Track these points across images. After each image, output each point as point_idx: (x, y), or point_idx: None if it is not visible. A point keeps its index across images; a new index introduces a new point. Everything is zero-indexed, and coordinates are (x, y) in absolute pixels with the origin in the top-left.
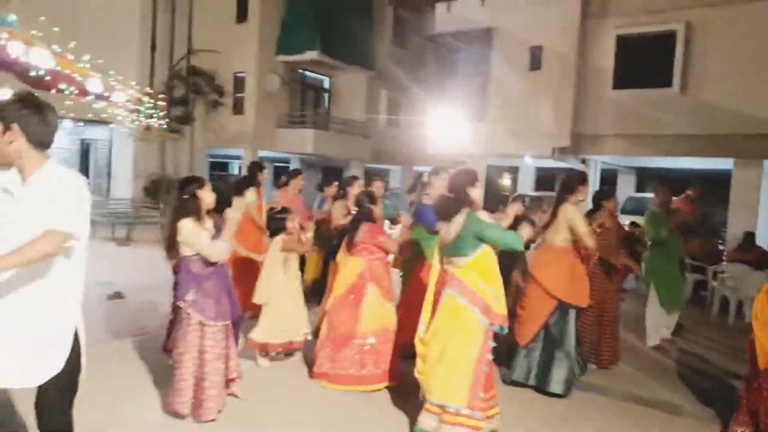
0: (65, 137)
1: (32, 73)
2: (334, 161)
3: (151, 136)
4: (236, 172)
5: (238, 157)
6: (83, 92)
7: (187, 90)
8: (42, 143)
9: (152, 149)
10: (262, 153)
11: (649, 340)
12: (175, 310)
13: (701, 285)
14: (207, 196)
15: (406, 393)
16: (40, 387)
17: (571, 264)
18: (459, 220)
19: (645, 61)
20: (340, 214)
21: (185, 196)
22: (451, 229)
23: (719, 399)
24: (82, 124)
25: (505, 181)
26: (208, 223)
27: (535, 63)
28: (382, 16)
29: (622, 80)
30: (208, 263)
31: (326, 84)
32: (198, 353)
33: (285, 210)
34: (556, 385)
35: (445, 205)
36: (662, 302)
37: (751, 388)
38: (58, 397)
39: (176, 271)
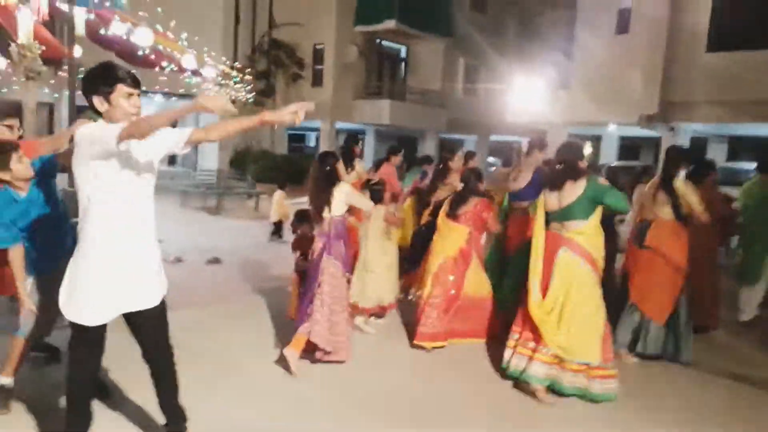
0: (154, 111)
1: (139, 53)
2: (408, 131)
3: (247, 111)
4: (312, 144)
5: (315, 129)
6: (180, 69)
7: (269, 63)
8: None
9: None
10: (339, 125)
11: (742, 315)
12: (302, 272)
13: None
14: (342, 169)
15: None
16: (143, 318)
17: (686, 237)
18: (579, 186)
19: (743, 22)
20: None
21: (328, 168)
22: (565, 195)
23: None
24: (174, 98)
25: (587, 150)
26: None
27: (623, 26)
28: None
29: (717, 42)
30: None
31: (403, 53)
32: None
33: (381, 182)
34: (687, 354)
35: (555, 175)
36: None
37: None
38: (164, 318)
39: (302, 231)
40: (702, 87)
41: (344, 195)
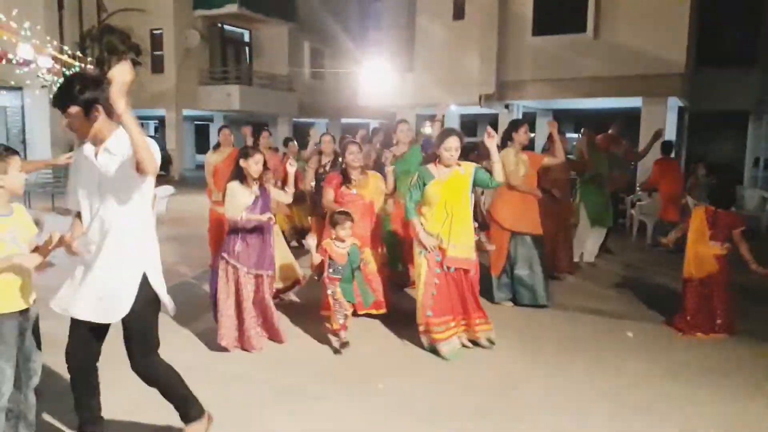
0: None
1: None
2: (258, 117)
3: None
4: (152, 133)
5: (156, 118)
6: (6, 59)
7: (101, 50)
8: (111, 112)
9: None
10: (186, 112)
11: (586, 257)
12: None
13: (620, 213)
14: (251, 166)
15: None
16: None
17: (519, 199)
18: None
19: (561, 8)
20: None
21: (237, 163)
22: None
23: (655, 304)
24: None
25: (426, 129)
26: (254, 187)
27: (459, 12)
28: None
29: (540, 27)
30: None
31: (247, 37)
32: (236, 299)
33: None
34: (542, 298)
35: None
36: (592, 223)
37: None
38: (132, 339)
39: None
40: (530, 67)
41: (228, 193)
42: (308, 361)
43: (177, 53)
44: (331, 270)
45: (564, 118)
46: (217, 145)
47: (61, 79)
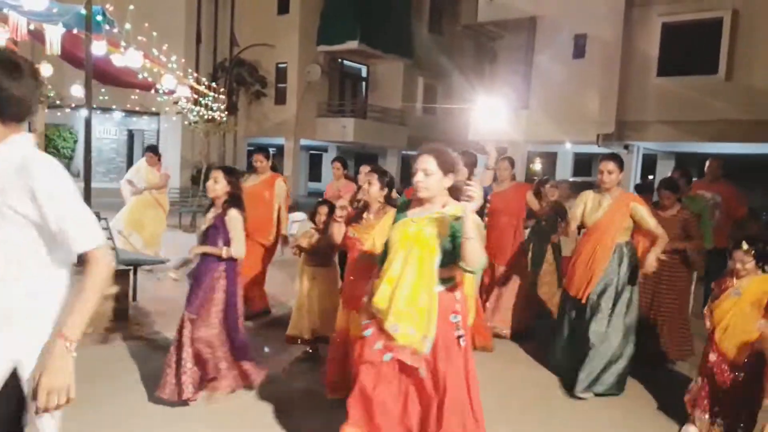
0: (113, 127)
1: (139, 76)
2: (369, 149)
3: (212, 128)
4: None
5: (276, 146)
6: (149, 86)
7: (231, 81)
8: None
9: (198, 139)
10: (303, 142)
11: None
12: None
13: None
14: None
15: None
16: None
17: None
18: None
19: (690, 49)
20: None
21: None
22: None
23: None
24: (133, 118)
25: (536, 166)
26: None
27: (579, 51)
28: (419, 3)
29: (666, 67)
30: None
31: (364, 72)
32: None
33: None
34: None
35: None
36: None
37: None
38: None
39: None
40: (653, 108)
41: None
42: None
43: (299, 86)
44: None
45: (686, 162)
46: None
47: (196, 107)
